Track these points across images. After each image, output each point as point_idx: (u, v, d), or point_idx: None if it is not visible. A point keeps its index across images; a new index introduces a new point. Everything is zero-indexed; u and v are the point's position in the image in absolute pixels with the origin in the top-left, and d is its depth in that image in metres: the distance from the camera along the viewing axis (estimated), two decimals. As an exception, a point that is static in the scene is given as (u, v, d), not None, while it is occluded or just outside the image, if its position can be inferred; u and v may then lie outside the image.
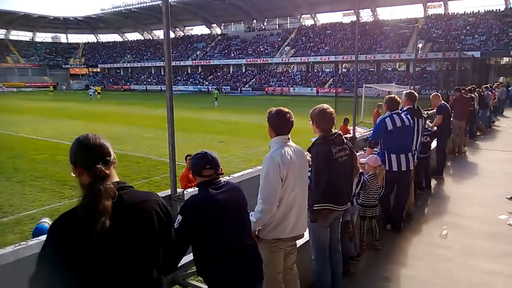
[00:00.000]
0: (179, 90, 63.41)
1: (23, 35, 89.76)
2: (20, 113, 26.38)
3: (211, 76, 69.54)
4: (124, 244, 1.50)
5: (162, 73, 75.86)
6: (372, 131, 5.55)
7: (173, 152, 4.10)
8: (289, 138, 2.78)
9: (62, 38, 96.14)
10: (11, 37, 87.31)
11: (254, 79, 63.80)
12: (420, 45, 39.25)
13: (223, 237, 2.12)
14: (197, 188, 2.26)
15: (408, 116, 4.94)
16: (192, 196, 2.21)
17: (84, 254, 1.41)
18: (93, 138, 1.58)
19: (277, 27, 72.97)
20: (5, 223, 6.49)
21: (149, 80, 75.36)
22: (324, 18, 69.64)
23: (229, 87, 62.64)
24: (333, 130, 3.17)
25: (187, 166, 6.07)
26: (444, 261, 4.11)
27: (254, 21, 74.72)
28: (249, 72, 67.44)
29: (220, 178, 2.29)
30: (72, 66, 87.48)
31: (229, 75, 68.24)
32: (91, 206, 1.42)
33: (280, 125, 2.75)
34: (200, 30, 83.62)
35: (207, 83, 66.05)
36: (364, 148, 5.39)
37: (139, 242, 1.54)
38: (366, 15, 59.95)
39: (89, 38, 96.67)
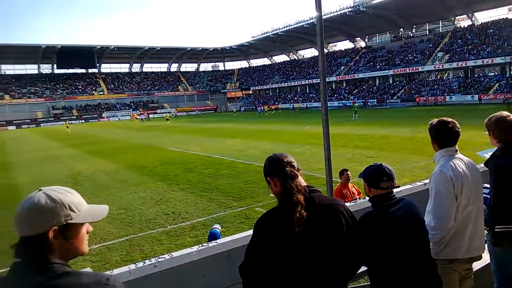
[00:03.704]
0: (298, 107, 66.41)
1: (190, 67, 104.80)
2: (191, 133, 30.45)
3: (356, 90, 68.21)
4: (319, 239, 1.65)
5: (308, 90, 77.94)
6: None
7: (329, 166, 4.19)
8: (456, 150, 2.55)
9: (220, 66, 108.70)
10: (182, 69, 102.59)
11: (402, 90, 60.09)
12: None
13: (401, 254, 2.07)
14: (371, 203, 2.26)
15: None
16: (369, 212, 2.21)
17: (284, 246, 1.61)
18: (278, 153, 1.85)
19: (427, 33, 67.71)
20: (183, 227, 7.50)
21: (295, 98, 78.11)
22: (484, 16, 61.31)
23: (375, 100, 60.40)
24: None
25: (341, 182, 6.08)
26: None
27: (401, 29, 70.87)
28: (397, 83, 63.88)
29: (394, 193, 2.25)
30: (229, 90, 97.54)
31: (375, 87, 65.84)
32: (287, 199, 1.64)
33: (444, 136, 2.54)
34: (343, 45, 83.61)
35: (352, 97, 64.98)
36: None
37: (331, 240, 1.67)
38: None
39: (242, 64, 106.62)
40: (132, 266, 2.67)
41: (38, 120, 74.06)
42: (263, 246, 1.66)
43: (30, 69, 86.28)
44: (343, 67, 74.29)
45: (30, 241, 1.12)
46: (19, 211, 1.14)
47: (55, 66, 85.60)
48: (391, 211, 2.11)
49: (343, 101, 64.94)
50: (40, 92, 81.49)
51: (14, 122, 71.20)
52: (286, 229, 1.59)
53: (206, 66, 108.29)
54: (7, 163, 19.87)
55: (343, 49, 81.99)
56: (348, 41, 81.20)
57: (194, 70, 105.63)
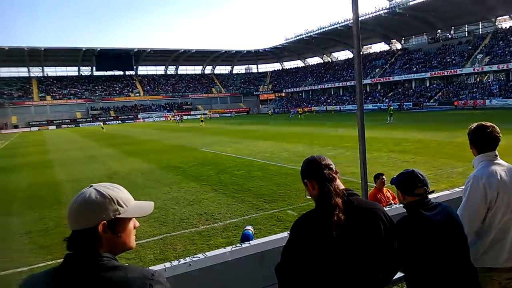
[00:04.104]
0: (333, 110, 65.02)
1: (223, 69, 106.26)
2: (223, 135, 30.79)
3: (391, 93, 66.71)
4: (356, 243, 1.64)
5: (341, 93, 76.99)
6: None
7: (365, 170, 4.13)
8: (496, 155, 2.49)
9: (253, 68, 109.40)
10: (215, 72, 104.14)
11: (440, 93, 58.20)
12: None
13: (439, 260, 2.03)
14: (406, 210, 2.22)
15: None
16: (406, 217, 2.18)
17: (321, 248, 1.61)
18: (316, 155, 1.84)
19: (466, 34, 65.17)
20: (215, 228, 7.58)
21: (329, 101, 77.35)
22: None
23: (411, 103, 58.82)
24: None
25: (376, 186, 5.98)
26: None
27: (439, 31, 68.67)
28: (434, 85, 61.91)
29: (430, 198, 2.20)
30: (261, 92, 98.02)
31: (411, 90, 64.13)
32: (325, 202, 1.64)
33: (482, 141, 2.49)
34: (378, 47, 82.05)
35: (387, 100, 63.61)
36: None
37: (369, 244, 1.66)
38: None
39: (275, 66, 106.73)
40: (168, 265, 2.74)
41: (77, 120, 77.18)
42: (300, 248, 1.66)
43: (71, 71, 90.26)
44: (378, 69, 72.89)
45: (81, 235, 1.19)
46: (71, 206, 1.22)
47: (94, 68, 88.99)
48: (428, 215, 2.07)
49: (378, 104, 63.72)
50: (80, 93, 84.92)
51: (54, 122, 74.62)
52: (324, 232, 1.59)
53: (239, 69, 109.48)
54: (49, 161, 20.83)
55: (378, 51, 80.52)
56: (383, 43, 79.60)
57: (227, 72, 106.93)
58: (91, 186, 1.27)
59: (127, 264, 1.26)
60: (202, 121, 50.17)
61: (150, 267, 2.57)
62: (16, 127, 71.05)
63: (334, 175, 1.73)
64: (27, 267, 6.27)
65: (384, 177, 5.97)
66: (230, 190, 10.75)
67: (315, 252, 1.61)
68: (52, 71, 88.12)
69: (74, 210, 1.21)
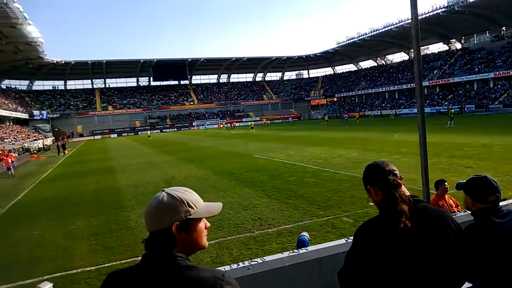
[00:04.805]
0: (391, 114, 62.12)
1: (274, 76, 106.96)
2: (275, 141, 30.93)
3: (451, 95, 63.23)
4: (423, 251, 1.59)
5: (397, 97, 74.35)
6: None
7: (426, 176, 3.98)
8: None
9: (304, 74, 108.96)
10: (266, 78, 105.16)
11: (505, 94, 54.21)
12: None
13: (511, 271, 1.92)
14: (474, 217, 2.12)
15: None
16: (476, 224, 2.08)
17: (387, 255, 1.59)
18: (379, 161, 1.81)
19: (536, 30, 60.39)
20: (269, 233, 7.63)
21: (383, 105, 75.01)
22: None
23: (473, 105, 55.37)
24: None
25: (437, 193, 5.72)
26: None
27: (503, 28, 64.14)
28: (499, 86, 57.80)
29: (501, 206, 2.08)
30: (313, 98, 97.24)
31: (472, 92, 60.37)
32: (390, 208, 1.61)
33: None
34: (436, 47, 78.28)
35: (446, 103, 60.43)
36: None
37: (436, 252, 1.61)
38: None
39: (327, 71, 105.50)
40: (227, 268, 2.80)
41: (136, 128, 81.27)
42: (365, 254, 1.64)
43: (130, 82, 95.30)
44: (436, 70, 69.50)
45: (157, 235, 1.29)
46: (147, 209, 1.33)
47: (151, 78, 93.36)
48: (499, 222, 1.96)
49: (436, 107, 60.70)
50: (138, 103, 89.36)
51: (115, 130, 79.29)
52: (389, 239, 1.56)
53: (290, 75, 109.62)
54: (111, 167, 22.12)
55: (436, 52, 76.82)
56: (441, 43, 75.88)
57: (278, 78, 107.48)
58: (163, 191, 1.37)
59: (198, 265, 1.32)
60: (252, 127, 50.87)
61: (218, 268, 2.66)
62: (81, 135, 76.47)
63: (399, 181, 1.69)
64: (94, 266, 6.70)
65: (446, 183, 5.69)
66: (283, 196, 10.76)
67: (381, 259, 1.59)
68: (113, 82, 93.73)
69: (149, 213, 1.31)
